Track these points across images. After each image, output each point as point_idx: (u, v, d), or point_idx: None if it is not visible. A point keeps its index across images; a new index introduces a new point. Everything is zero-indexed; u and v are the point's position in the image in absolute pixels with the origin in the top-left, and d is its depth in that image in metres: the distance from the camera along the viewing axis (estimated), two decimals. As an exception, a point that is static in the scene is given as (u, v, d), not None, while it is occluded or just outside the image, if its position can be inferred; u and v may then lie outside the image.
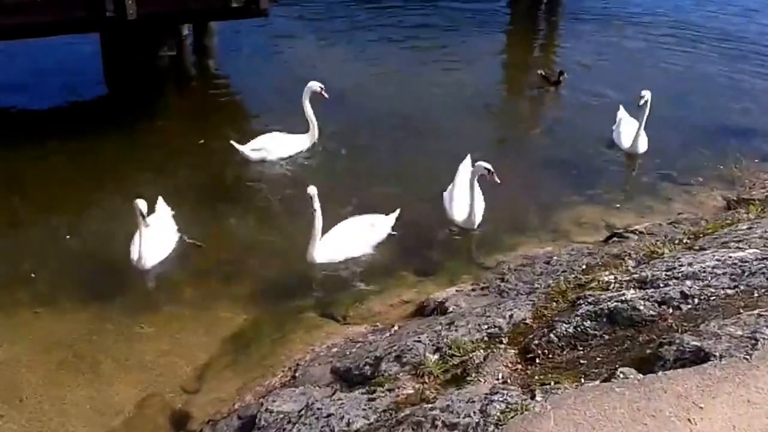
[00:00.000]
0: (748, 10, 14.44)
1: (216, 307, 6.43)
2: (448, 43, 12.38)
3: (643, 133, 8.80)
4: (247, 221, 7.77)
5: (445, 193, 7.68)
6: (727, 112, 10.16)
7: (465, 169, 7.75)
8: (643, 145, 8.87)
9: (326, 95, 8.79)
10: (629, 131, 8.91)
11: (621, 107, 9.33)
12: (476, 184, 7.21)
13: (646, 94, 8.56)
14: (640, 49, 12.42)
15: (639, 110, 8.68)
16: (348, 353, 5.18)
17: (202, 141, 9.19)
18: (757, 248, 4.54)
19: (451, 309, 5.52)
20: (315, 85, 8.76)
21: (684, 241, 5.48)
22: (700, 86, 11.03)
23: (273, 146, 8.77)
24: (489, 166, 6.99)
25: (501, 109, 10.66)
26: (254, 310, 6.41)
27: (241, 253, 7.22)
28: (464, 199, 7.40)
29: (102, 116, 9.76)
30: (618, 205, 7.98)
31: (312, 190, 6.60)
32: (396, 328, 5.51)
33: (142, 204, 6.57)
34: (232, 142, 8.63)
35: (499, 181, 7.03)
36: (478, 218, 7.37)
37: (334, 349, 5.45)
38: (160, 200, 7.36)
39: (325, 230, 6.91)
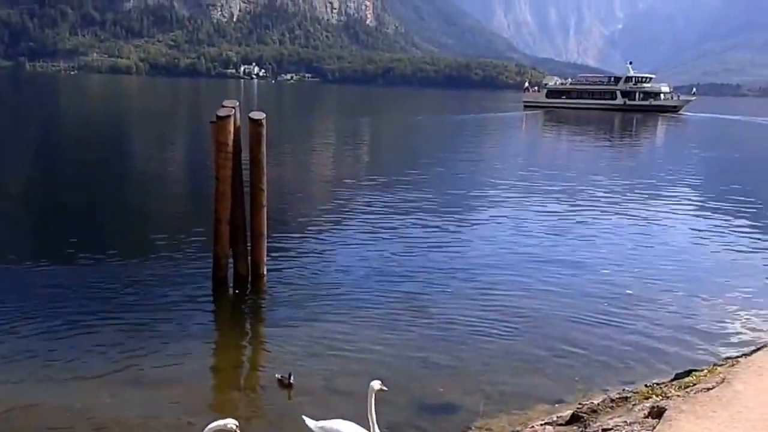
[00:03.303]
0: (448, 293, 15.84)
1: None
2: (160, 349, 12.29)
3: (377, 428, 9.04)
4: None
5: None
6: (429, 393, 11.07)
7: None
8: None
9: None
10: (353, 429, 9.16)
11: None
12: None
13: (376, 385, 8.95)
14: (344, 333, 13.20)
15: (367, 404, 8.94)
16: None
17: None
18: None
19: None
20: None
21: None
22: (409, 367, 11.91)
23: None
24: None
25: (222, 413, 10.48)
26: None
27: None
28: None
29: None
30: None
31: None
32: None
33: None
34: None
35: None
36: None
37: None
38: None
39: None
